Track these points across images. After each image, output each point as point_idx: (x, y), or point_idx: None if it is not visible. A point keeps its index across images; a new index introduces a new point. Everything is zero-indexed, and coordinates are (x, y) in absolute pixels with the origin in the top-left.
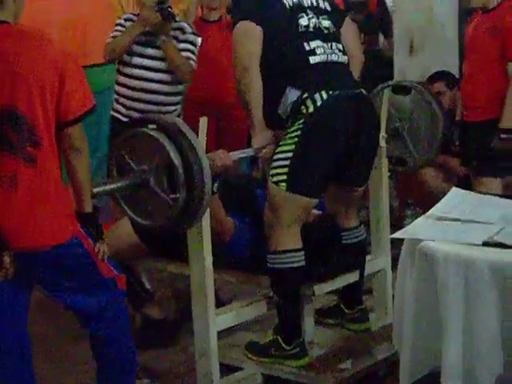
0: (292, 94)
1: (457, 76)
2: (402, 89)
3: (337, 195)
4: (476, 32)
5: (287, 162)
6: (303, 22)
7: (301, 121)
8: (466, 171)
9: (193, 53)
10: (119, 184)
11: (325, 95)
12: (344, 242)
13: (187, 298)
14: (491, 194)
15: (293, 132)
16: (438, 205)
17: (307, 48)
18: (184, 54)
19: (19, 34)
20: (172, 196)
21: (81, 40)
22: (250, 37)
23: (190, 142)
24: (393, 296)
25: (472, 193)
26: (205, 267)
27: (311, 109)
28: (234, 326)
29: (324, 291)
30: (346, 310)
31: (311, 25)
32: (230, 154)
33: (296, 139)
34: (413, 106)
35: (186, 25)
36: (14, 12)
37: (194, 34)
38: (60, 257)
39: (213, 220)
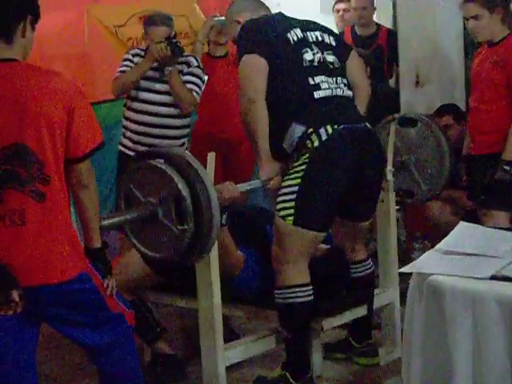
0: (297, 130)
1: (463, 109)
2: (408, 121)
3: (343, 229)
4: (482, 65)
5: (293, 196)
6: (308, 56)
7: (306, 155)
8: (473, 205)
9: (197, 85)
10: (128, 216)
11: (330, 129)
12: (352, 275)
13: (196, 332)
14: (498, 228)
15: (298, 166)
16: (446, 239)
17: (312, 83)
18: (187, 86)
19: (28, 70)
20: (180, 228)
21: (86, 74)
22: (255, 70)
23: (198, 174)
24: (401, 330)
25: (480, 226)
26: (213, 303)
27: (316, 143)
28: (242, 361)
29: (332, 326)
30: (354, 344)
31: (316, 59)
32: (238, 185)
33: (301, 173)
34: (419, 139)
35: (192, 59)
36: (23, 49)
37: (199, 67)
38: (68, 293)
39: (222, 252)
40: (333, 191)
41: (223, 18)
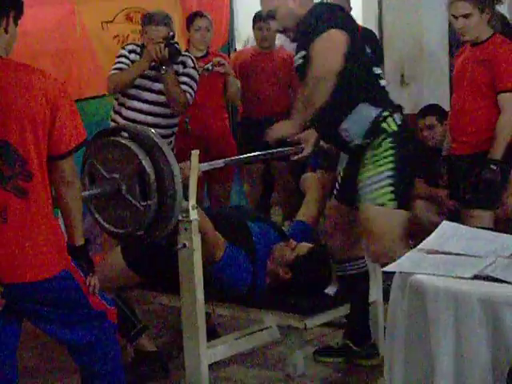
0: (367, 111)
1: (448, 109)
2: None
3: (351, 223)
4: (466, 65)
5: (390, 181)
6: (367, 48)
7: (388, 139)
8: (454, 204)
9: (191, 87)
10: (92, 191)
11: (400, 116)
12: (350, 272)
13: (179, 329)
14: (482, 228)
15: (384, 152)
16: (429, 238)
17: (375, 71)
18: (182, 86)
19: (11, 67)
20: (144, 203)
21: (74, 71)
22: (335, 48)
23: (161, 150)
24: (384, 328)
25: (463, 226)
26: (196, 300)
27: (394, 127)
28: (225, 359)
29: (316, 324)
30: (355, 348)
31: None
32: (200, 164)
33: (392, 158)
34: None
35: (188, 59)
36: (6, 45)
37: (195, 68)
38: (50, 290)
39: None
40: (415, 172)
41: (209, 65)
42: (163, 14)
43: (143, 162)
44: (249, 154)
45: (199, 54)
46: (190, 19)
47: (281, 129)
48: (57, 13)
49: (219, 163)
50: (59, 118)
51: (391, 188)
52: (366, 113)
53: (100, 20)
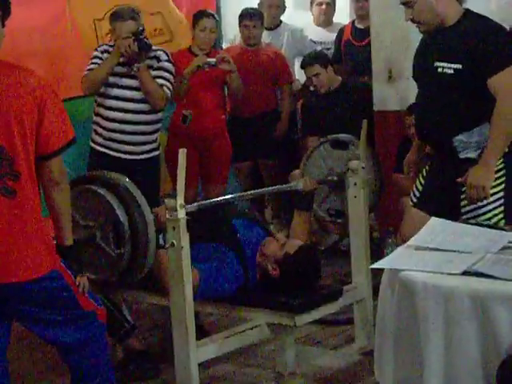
0: (487, 129)
1: None
2: (340, 144)
3: None
4: None
5: (501, 202)
6: None
7: (500, 159)
8: None
9: (167, 80)
10: None
11: None
12: None
13: (169, 328)
14: (471, 224)
15: (496, 172)
16: (418, 234)
17: None
18: (158, 81)
19: None
20: (117, 251)
21: (62, 71)
22: None
23: (135, 199)
24: (374, 325)
25: (451, 222)
26: (185, 299)
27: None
28: (215, 358)
29: (306, 322)
30: None
31: None
32: (188, 206)
33: (503, 178)
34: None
35: (162, 53)
36: None
37: (169, 61)
38: (39, 290)
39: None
40: None
41: (213, 59)
42: (129, 9)
43: (117, 211)
44: (249, 192)
45: (200, 52)
46: (196, 18)
47: (478, 177)
48: (48, 10)
49: (208, 203)
50: (46, 118)
51: (502, 208)
52: (486, 131)
53: (91, 18)
